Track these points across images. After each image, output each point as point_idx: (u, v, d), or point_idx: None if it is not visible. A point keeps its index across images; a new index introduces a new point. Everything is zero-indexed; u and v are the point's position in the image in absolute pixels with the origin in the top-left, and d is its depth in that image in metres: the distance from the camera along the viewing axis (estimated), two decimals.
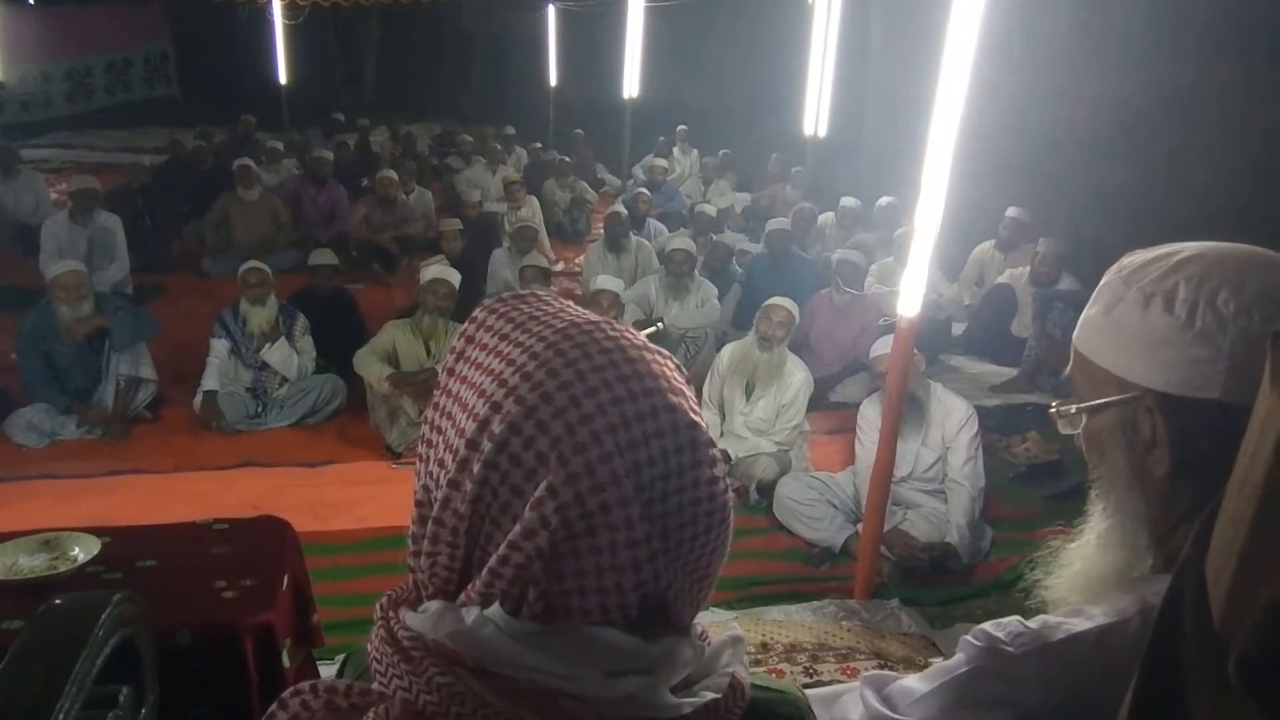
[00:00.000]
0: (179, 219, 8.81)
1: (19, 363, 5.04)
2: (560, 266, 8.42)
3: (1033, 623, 0.89)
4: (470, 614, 0.62)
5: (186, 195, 9.11)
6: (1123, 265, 0.92)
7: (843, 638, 3.46)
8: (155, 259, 7.79)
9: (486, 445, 0.63)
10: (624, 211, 7.59)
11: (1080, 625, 0.86)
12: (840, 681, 3.19)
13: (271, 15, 13.42)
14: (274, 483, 4.58)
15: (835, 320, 5.96)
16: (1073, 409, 0.94)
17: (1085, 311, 0.93)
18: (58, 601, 1.26)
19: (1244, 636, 0.50)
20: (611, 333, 0.67)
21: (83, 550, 2.55)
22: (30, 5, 14.44)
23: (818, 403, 5.14)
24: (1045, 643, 0.86)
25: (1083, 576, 0.94)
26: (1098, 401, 0.91)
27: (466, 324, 0.71)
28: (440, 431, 0.68)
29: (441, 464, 0.66)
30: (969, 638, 0.91)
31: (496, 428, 0.63)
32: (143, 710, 1.36)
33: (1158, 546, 0.90)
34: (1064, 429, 0.96)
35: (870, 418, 4.16)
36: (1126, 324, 0.87)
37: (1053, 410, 0.96)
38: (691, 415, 0.66)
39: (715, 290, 6.31)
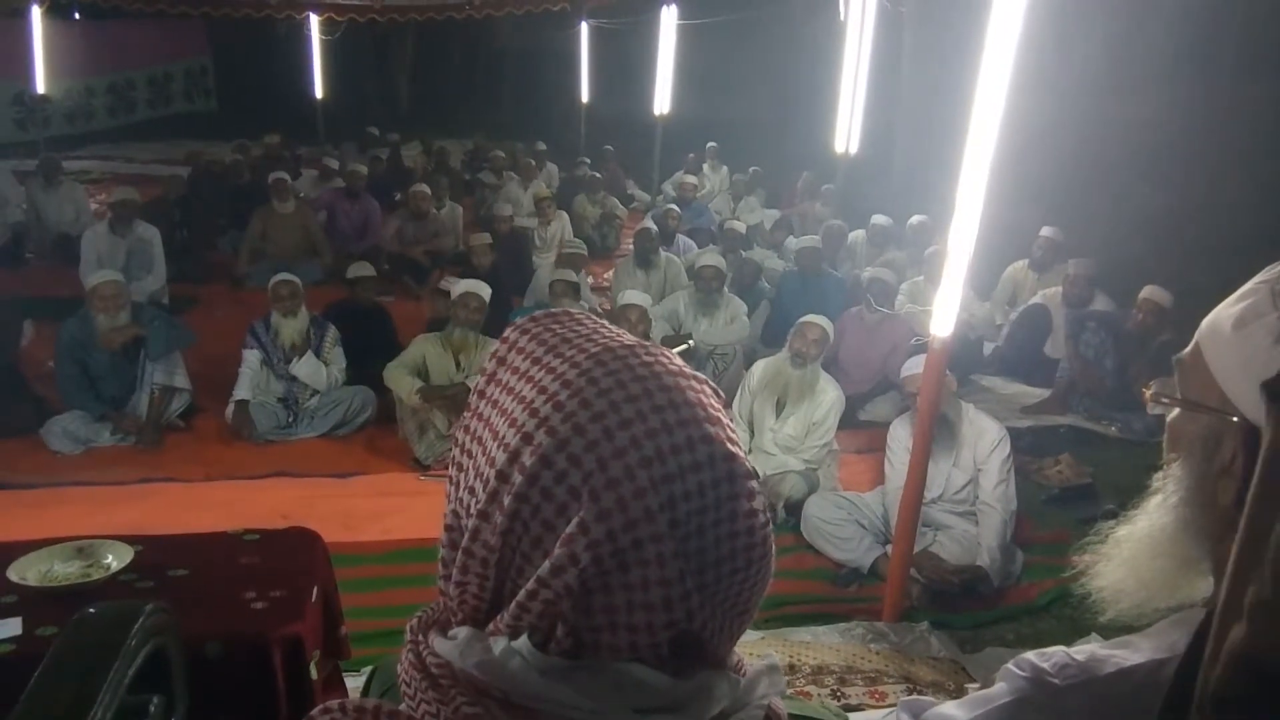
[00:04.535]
0: (214, 231, 8.95)
1: (56, 371, 5.13)
2: (590, 282, 8.44)
3: (1079, 654, 0.86)
4: (498, 644, 0.61)
5: (222, 208, 9.25)
6: None
7: (871, 660, 3.42)
8: (191, 270, 7.92)
9: (517, 478, 0.61)
10: (653, 228, 7.61)
11: (1130, 659, 0.83)
12: (868, 705, 3.15)
13: (309, 31, 13.65)
14: (304, 493, 4.61)
15: (865, 338, 5.92)
16: (1166, 399, 0.87)
17: (1223, 306, 0.84)
18: (92, 610, 1.27)
19: (1214, 680, 0.49)
20: (646, 358, 0.65)
21: (116, 558, 2.58)
22: (76, 20, 14.76)
23: (847, 421, 5.10)
24: (1092, 676, 0.84)
25: (1132, 572, 0.89)
26: (1194, 403, 0.84)
27: (498, 345, 0.69)
28: (471, 456, 0.66)
29: (472, 492, 0.64)
30: (1012, 667, 0.89)
31: (527, 460, 0.61)
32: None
33: (1214, 572, 0.88)
34: (1152, 409, 0.91)
35: (900, 437, 4.12)
36: (1253, 347, 0.78)
37: (1149, 391, 0.89)
38: (729, 446, 0.63)
39: (744, 307, 6.29)
